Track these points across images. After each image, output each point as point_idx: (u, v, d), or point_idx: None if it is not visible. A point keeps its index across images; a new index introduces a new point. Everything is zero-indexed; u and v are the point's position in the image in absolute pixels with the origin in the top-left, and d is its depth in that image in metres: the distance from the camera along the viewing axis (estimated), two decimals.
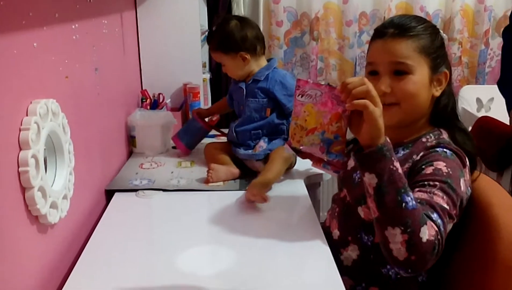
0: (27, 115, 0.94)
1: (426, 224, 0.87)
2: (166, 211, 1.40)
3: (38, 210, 0.94)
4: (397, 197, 0.88)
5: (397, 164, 0.90)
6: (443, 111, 1.11)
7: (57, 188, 1.05)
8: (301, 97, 0.96)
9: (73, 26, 1.23)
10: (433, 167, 0.98)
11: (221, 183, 1.53)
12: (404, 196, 0.88)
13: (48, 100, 1.02)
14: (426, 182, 0.96)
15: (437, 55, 1.08)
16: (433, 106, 1.11)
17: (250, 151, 1.60)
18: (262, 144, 1.58)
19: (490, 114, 2.40)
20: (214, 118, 1.97)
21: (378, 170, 0.89)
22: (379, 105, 0.90)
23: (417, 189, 0.96)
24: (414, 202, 0.88)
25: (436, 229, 0.89)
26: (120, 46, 1.75)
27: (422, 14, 2.57)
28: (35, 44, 1.00)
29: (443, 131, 1.10)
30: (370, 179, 0.90)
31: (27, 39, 0.96)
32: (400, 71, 1.06)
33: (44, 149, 1.00)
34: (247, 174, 1.57)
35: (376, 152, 0.89)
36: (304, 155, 1.05)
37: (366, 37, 2.68)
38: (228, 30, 1.57)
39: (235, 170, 1.57)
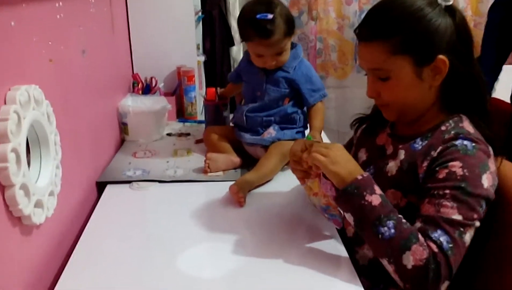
0: (5, 104, 0.84)
1: (410, 249, 0.86)
2: (162, 204, 1.30)
3: (21, 210, 0.84)
4: (373, 230, 0.89)
5: (370, 197, 0.91)
6: (454, 96, 1.01)
7: (42, 184, 0.94)
8: None
9: (57, 4, 1.12)
10: (447, 170, 0.92)
11: (221, 173, 1.43)
12: (379, 228, 0.89)
13: (29, 86, 0.91)
14: (436, 191, 0.91)
15: (422, 45, 0.95)
16: (440, 93, 1.01)
17: (257, 136, 1.50)
18: (271, 131, 1.48)
19: (495, 95, 2.31)
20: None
21: (350, 208, 0.93)
22: (328, 154, 0.95)
23: (427, 200, 0.92)
24: (392, 231, 0.88)
25: (434, 249, 0.86)
26: (109, 26, 1.63)
27: None
28: (12, 23, 0.88)
29: (463, 116, 1.01)
30: (348, 217, 0.94)
31: (2, 17, 0.85)
32: (380, 76, 1.00)
33: (27, 141, 0.89)
34: (248, 162, 1.48)
35: (343, 194, 0.93)
36: None
37: None
38: (287, 11, 1.43)
39: (236, 159, 1.47)
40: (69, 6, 1.19)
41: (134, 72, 1.94)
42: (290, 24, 1.41)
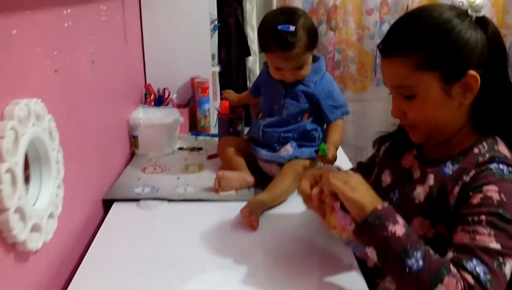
0: (2, 120, 0.77)
1: (442, 282, 0.77)
2: (170, 224, 1.22)
3: (15, 236, 0.76)
4: (399, 263, 0.80)
5: (393, 227, 0.82)
6: (487, 115, 0.91)
7: (41, 206, 0.87)
8: None
9: (65, 12, 1.05)
10: (481, 195, 0.83)
11: (233, 192, 1.35)
12: (405, 260, 0.80)
13: (30, 100, 0.84)
14: (470, 218, 0.82)
15: (451, 60, 0.87)
16: (471, 112, 0.91)
17: (274, 153, 1.41)
18: (289, 148, 1.40)
19: None
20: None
21: (372, 241, 0.84)
22: (347, 181, 0.87)
23: (460, 227, 0.83)
24: (420, 262, 0.79)
25: (470, 281, 0.76)
26: (121, 35, 1.57)
27: (447, 2, 2.37)
28: (14, 31, 0.82)
29: (498, 139, 0.92)
30: (370, 253, 0.85)
31: (3, 25, 0.79)
32: (405, 94, 0.91)
33: (26, 159, 0.83)
34: (262, 179, 1.39)
35: (363, 226, 0.84)
36: None
37: (387, 27, 2.44)
38: (312, 23, 1.35)
39: (250, 178, 1.38)
40: (78, 14, 1.13)
41: (147, 82, 1.87)
42: (313, 37, 1.33)
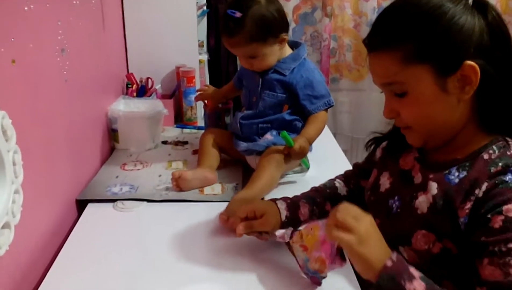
0: None
1: None
2: (150, 227, 1.12)
3: None
4: None
5: (411, 285, 0.70)
6: (492, 111, 0.80)
7: None
8: None
9: None
10: (503, 217, 0.71)
11: (219, 191, 1.25)
12: None
13: None
14: (496, 248, 0.70)
15: (443, 50, 0.76)
16: (474, 108, 0.80)
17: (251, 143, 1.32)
18: (269, 136, 1.30)
19: None
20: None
21: None
22: (356, 229, 0.73)
23: (487, 260, 0.71)
24: None
25: None
26: (99, 21, 1.45)
27: None
28: None
29: (510, 141, 0.80)
30: None
31: None
32: (396, 92, 0.80)
33: None
34: (249, 176, 1.28)
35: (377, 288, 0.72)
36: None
37: None
38: (264, 11, 1.22)
39: (211, 175, 1.28)
40: None
41: (129, 71, 1.76)
42: (262, 29, 1.22)
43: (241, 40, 1.22)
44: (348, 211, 0.76)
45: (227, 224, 1.06)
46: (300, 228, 0.88)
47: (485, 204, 0.73)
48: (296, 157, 1.23)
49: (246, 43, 1.23)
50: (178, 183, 1.23)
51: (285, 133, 1.20)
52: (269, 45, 1.25)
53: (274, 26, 1.23)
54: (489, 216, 0.72)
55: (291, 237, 0.90)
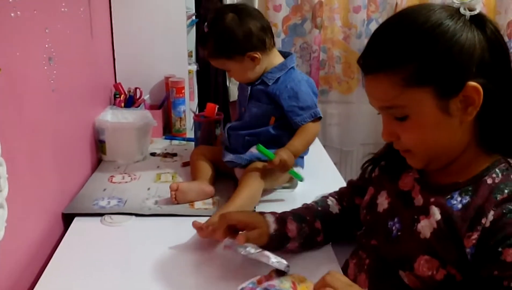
0: None
1: None
2: (138, 243, 1.08)
3: None
4: None
5: None
6: (494, 131, 0.78)
7: None
8: None
9: (11, 0, 0.90)
10: None
11: (210, 205, 1.22)
12: None
13: None
14: (508, 281, 0.68)
15: (445, 71, 0.73)
16: (475, 128, 0.78)
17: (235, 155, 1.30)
18: (253, 150, 1.27)
19: None
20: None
21: None
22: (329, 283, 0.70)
23: None
24: None
25: None
26: (87, 29, 1.42)
27: (438, 1, 2.27)
28: None
29: None
30: None
31: None
32: (396, 116, 0.78)
33: None
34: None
35: None
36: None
37: (375, 26, 2.38)
38: (226, 29, 1.22)
39: (208, 188, 1.26)
40: (30, 3, 0.98)
41: (117, 81, 1.73)
42: (224, 48, 1.24)
43: (208, 53, 1.28)
44: (338, 278, 0.73)
45: (202, 232, 1.03)
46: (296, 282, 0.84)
47: (494, 236, 0.71)
48: (279, 170, 1.21)
49: (211, 57, 1.28)
50: (176, 195, 1.20)
51: (260, 146, 1.18)
52: (237, 62, 1.25)
53: (236, 45, 1.23)
54: (500, 249, 0.69)
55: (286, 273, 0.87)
